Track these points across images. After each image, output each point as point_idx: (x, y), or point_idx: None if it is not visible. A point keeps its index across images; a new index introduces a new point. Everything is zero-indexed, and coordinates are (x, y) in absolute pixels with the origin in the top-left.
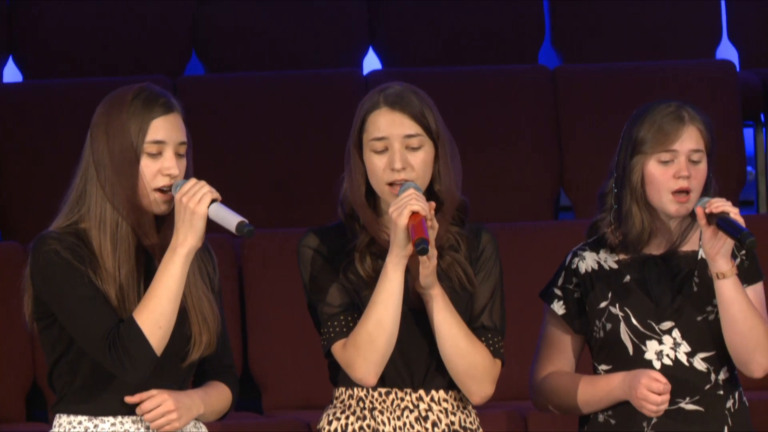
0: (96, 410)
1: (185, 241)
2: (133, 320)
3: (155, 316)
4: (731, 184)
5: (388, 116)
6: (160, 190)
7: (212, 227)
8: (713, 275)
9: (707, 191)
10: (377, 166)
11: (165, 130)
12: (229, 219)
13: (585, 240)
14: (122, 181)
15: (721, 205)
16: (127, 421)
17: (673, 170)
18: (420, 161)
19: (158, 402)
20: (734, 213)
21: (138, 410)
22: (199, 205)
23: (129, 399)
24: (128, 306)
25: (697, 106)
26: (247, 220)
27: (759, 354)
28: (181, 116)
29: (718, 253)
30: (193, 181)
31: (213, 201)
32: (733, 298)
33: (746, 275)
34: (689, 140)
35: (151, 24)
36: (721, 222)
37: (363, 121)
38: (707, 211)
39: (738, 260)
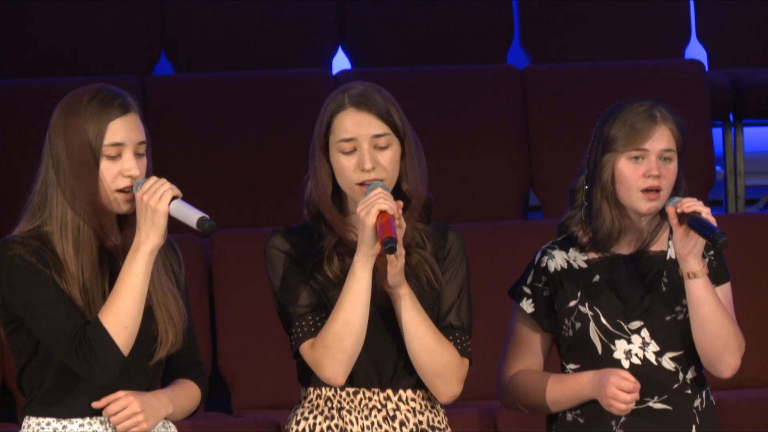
0: (64, 412)
1: (148, 240)
2: (99, 322)
3: (121, 317)
4: (700, 183)
5: (354, 117)
6: (121, 191)
7: (181, 227)
8: (684, 275)
9: (677, 191)
10: (346, 167)
11: (123, 131)
12: (190, 215)
13: (554, 238)
14: (82, 184)
15: (692, 204)
16: (95, 422)
17: (643, 169)
18: (389, 160)
19: (124, 404)
20: (706, 213)
21: (104, 413)
22: (160, 203)
23: (96, 404)
24: (94, 308)
25: (670, 106)
26: (207, 216)
27: (728, 354)
28: (138, 115)
29: (689, 253)
30: (153, 179)
31: (174, 198)
32: (703, 298)
33: (714, 276)
34: (660, 140)
35: (119, 24)
36: (692, 222)
37: (329, 122)
38: (679, 210)
39: (706, 260)
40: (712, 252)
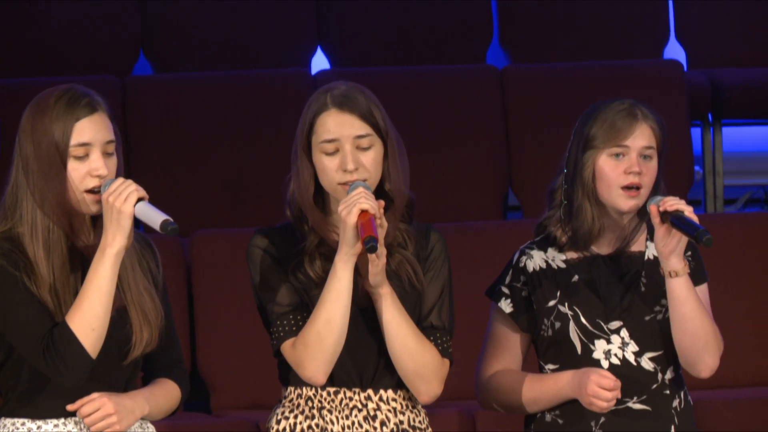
0: (39, 413)
1: (114, 241)
2: (65, 324)
3: (87, 319)
4: (679, 183)
5: (337, 117)
6: (90, 191)
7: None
8: (665, 274)
9: (656, 190)
10: (329, 167)
11: (90, 131)
12: (154, 217)
13: (533, 238)
14: (51, 186)
15: (675, 203)
16: (70, 423)
17: (624, 165)
18: (371, 160)
19: (97, 405)
20: (688, 211)
21: (78, 414)
22: (126, 204)
23: (70, 407)
24: (65, 310)
25: (650, 106)
26: (171, 219)
27: (707, 354)
28: (107, 114)
29: (672, 252)
30: (120, 180)
31: (140, 200)
32: (685, 296)
33: (692, 277)
34: (641, 137)
35: (98, 24)
36: (675, 220)
37: (311, 122)
38: (661, 209)
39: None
40: (689, 253)
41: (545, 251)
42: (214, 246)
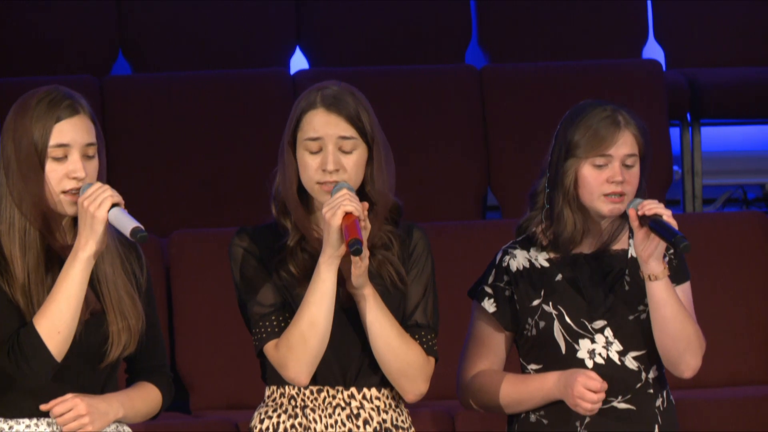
0: (11, 412)
1: (86, 245)
2: (32, 326)
3: (54, 321)
4: (658, 183)
5: (323, 117)
6: (67, 192)
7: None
8: (645, 277)
9: (639, 194)
10: (310, 165)
11: (70, 132)
12: (126, 224)
13: (514, 238)
14: (28, 186)
15: (653, 207)
16: (42, 423)
17: (606, 174)
18: (352, 163)
19: (70, 406)
20: (667, 215)
21: (51, 414)
22: (99, 210)
23: (43, 407)
24: (36, 310)
25: (632, 111)
26: (142, 227)
27: (689, 355)
28: (90, 117)
29: (650, 256)
30: (97, 185)
31: (115, 205)
32: (664, 300)
33: (675, 275)
34: (624, 145)
35: (77, 24)
36: (654, 224)
37: (299, 119)
38: (640, 213)
39: (666, 259)
40: (671, 251)
41: (528, 251)
42: (193, 246)
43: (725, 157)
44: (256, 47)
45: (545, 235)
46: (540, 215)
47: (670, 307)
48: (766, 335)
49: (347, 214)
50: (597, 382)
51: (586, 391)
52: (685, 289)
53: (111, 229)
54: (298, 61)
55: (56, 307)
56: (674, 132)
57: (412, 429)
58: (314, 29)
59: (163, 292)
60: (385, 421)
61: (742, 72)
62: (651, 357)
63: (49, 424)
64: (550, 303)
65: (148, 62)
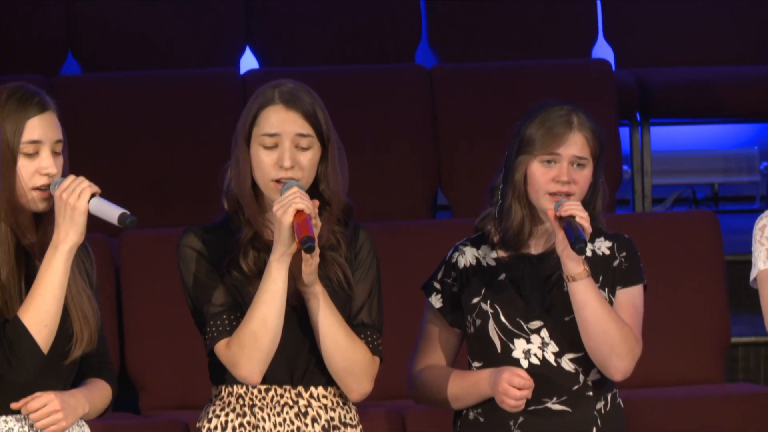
0: None
1: (67, 238)
2: (18, 320)
3: (41, 315)
4: (608, 183)
5: (281, 113)
6: (38, 189)
7: (88, 226)
8: (565, 278)
9: (594, 196)
10: (265, 161)
11: (41, 129)
12: (111, 212)
13: (461, 237)
14: (1, 182)
15: (570, 208)
16: (11, 420)
17: (553, 173)
18: (308, 161)
19: (44, 402)
20: (580, 217)
21: (23, 410)
22: (79, 201)
23: (14, 405)
24: (11, 306)
25: (588, 112)
26: (128, 212)
27: (616, 358)
28: (56, 114)
29: (569, 257)
30: (71, 177)
31: (93, 195)
32: (584, 301)
33: (623, 277)
34: (574, 146)
35: (26, 24)
36: (566, 225)
37: (256, 114)
38: (558, 213)
39: (617, 261)
40: (624, 253)
41: (478, 248)
42: (143, 246)
43: (675, 157)
44: (206, 47)
45: (497, 231)
46: (494, 211)
47: (590, 309)
48: (716, 334)
49: (298, 212)
50: (522, 379)
51: (510, 388)
52: (632, 292)
53: None
54: (248, 61)
55: (41, 300)
56: (624, 132)
57: (360, 426)
58: (264, 29)
59: (113, 292)
60: (333, 418)
61: (691, 72)
62: (591, 360)
63: (18, 420)
64: (488, 301)
65: (97, 62)
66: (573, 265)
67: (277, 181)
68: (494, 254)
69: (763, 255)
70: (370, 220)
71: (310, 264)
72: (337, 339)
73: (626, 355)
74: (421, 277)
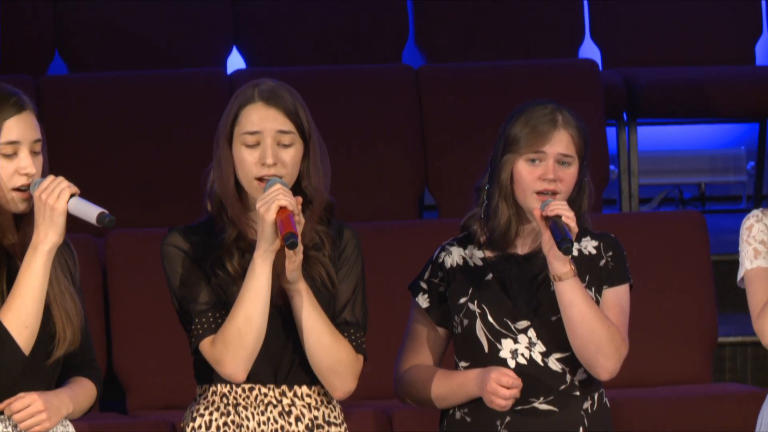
0: None
1: (46, 238)
2: None
3: (21, 316)
4: (594, 182)
5: (262, 111)
6: (17, 189)
7: (74, 226)
8: (551, 277)
9: (580, 195)
10: (247, 160)
11: (19, 129)
12: (90, 211)
13: (450, 237)
14: None
15: (555, 208)
16: None
17: (539, 171)
18: (290, 158)
19: (27, 402)
20: (567, 217)
21: (7, 411)
22: (59, 201)
23: None
24: None
25: (573, 111)
26: (107, 211)
27: (602, 357)
28: (34, 113)
29: (555, 256)
30: (51, 177)
31: (72, 196)
32: (570, 300)
33: (610, 276)
34: (559, 144)
35: (12, 23)
36: (552, 225)
37: (236, 114)
38: (544, 213)
39: (603, 261)
40: (610, 253)
41: (465, 248)
42: (130, 246)
43: (662, 157)
44: (193, 47)
45: (483, 232)
46: (480, 211)
47: (576, 309)
48: (703, 334)
49: (281, 209)
50: (509, 378)
51: (499, 387)
52: (618, 292)
53: None
54: (235, 61)
55: (22, 301)
56: (611, 131)
57: (345, 425)
58: (251, 29)
59: (100, 292)
60: (317, 417)
61: (678, 72)
62: (578, 359)
63: (1, 421)
64: (476, 301)
65: (84, 62)
66: (559, 265)
67: (260, 179)
68: (481, 254)
69: (750, 254)
70: (358, 220)
71: (294, 261)
72: (321, 337)
73: (612, 354)
74: (408, 277)
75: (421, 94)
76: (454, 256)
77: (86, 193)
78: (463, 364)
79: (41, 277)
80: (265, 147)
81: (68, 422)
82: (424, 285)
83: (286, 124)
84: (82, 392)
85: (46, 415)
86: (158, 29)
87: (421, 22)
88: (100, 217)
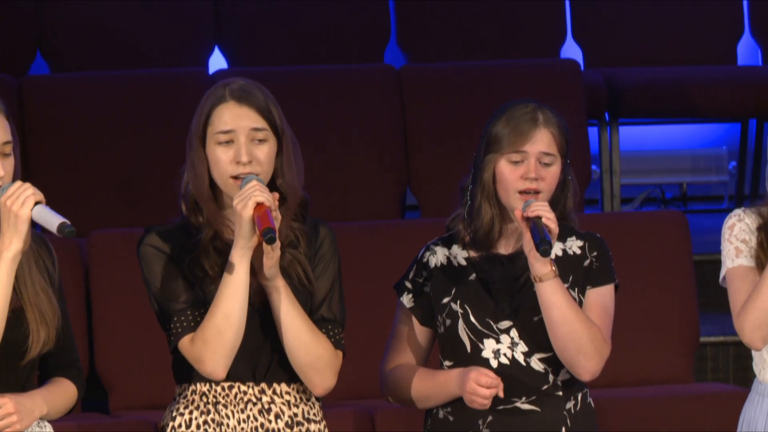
0: None
1: (10, 245)
2: None
3: None
4: (576, 182)
5: (234, 110)
6: None
7: None
8: (532, 278)
9: (564, 193)
10: (222, 159)
11: None
12: (51, 220)
13: (431, 238)
14: None
15: (537, 209)
16: None
17: (521, 171)
18: (265, 155)
19: None
20: (547, 218)
21: None
22: (23, 209)
23: None
24: None
25: (555, 109)
26: (68, 221)
27: (583, 358)
28: (5, 115)
29: (534, 257)
30: (17, 184)
31: (37, 203)
32: (551, 301)
33: (594, 277)
34: (540, 143)
35: None
36: (532, 226)
37: (209, 114)
38: (525, 214)
39: (588, 261)
40: (595, 253)
41: (449, 248)
42: (112, 246)
43: (643, 157)
44: (175, 47)
45: (467, 232)
46: (464, 211)
47: (557, 310)
48: (685, 334)
49: (258, 205)
50: (488, 378)
51: (478, 387)
52: (602, 292)
53: None
54: (217, 61)
55: None
56: (592, 131)
57: (324, 422)
58: (233, 29)
59: (81, 292)
60: (296, 414)
61: (659, 72)
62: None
63: None
64: (458, 301)
65: (66, 62)
66: (540, 266)
67: (236, 177)
68: (465, 254)
69: (731, 253)
70: (340, 220)
71: (272, 257)
72: (299, 333)
73: (593, 355)
74: (391, 277)
75: (403, 94)
76: (438, 256)
77: (68, 193)
78: (447, 363)
79: (4, 284)
80: (240, 145)
81: (46, 423)
82: (408, 284)
83: (259, 122)
84: (59, 393)
85: (17, 417)
86: (140, 29)
87: (403, 22)
88: (60, 226)
